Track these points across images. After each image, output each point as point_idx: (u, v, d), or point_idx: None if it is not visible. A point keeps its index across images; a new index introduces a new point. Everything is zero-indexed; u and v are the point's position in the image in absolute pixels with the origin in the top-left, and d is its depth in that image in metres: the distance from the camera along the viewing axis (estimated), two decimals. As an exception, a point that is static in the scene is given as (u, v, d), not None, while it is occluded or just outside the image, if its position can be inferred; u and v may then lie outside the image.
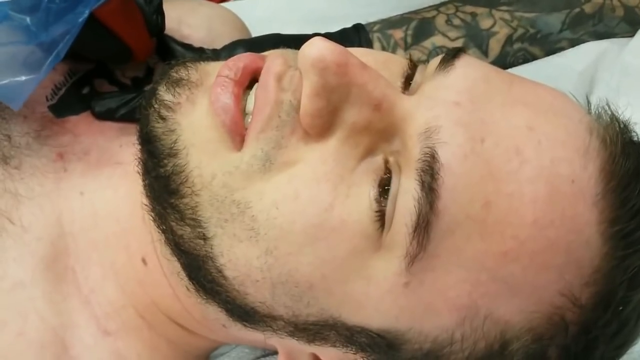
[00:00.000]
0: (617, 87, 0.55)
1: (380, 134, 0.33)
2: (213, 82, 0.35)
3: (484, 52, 0.56)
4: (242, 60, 0.35)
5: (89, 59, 0.46)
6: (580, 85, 0.57)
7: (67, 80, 0.45)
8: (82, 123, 0.44)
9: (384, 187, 0.32)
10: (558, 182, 0.31)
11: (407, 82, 0.36)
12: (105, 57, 0.44)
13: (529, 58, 0.58)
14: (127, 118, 0.44)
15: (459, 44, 0.56)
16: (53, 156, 0.42)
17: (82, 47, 0.39)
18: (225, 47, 0.48)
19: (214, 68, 0.36)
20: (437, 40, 0.56)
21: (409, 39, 0.56)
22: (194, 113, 0.35)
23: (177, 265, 0.37)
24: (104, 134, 0.44)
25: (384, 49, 0.55)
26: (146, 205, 0.37)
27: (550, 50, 0.59)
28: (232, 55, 0.36)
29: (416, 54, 0.55)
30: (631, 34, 0.59)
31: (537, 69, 0.58)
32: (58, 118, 0.43)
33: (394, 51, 0.55)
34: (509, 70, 0.57)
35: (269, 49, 0.38)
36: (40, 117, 0.43)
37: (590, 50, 0.59)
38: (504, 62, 0.57)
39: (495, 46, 0.57)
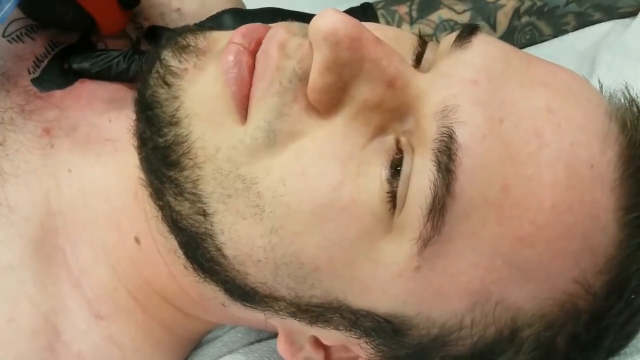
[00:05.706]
0: (619, 69, 0.55)
1: (392, 112, 0.32)
2: (224, 49, 0.33)
3: (492, 26, 0.55)
4: (257, 30, 0.34)
5: (69, 31, 0.44)
6: (582, 63, 0.57)
7: (48, 52, 0.44)
8: (68, 97, 0.43)
9: (395, 168, 0.31)
10: (577, 167, 0.31)
11: (418, 60, 0.35)
12: (64, 24, 0.43)
13: (535, 35, 0.57)
14: (105, 75, 0.43)
15: (466, 17, 0.54)
16: (38, 132, 0.41)
17: (40, 8, 0.40)
18: (212, 17, 0.46)
19: (222, 36, 0.35)
20: (444, 13, 0.54)
21: (414, 14, 0.55)
22: (202, 80, 0.34)
23: (174, 243, 0.36)
24: (93, 108, 0.43)
25: (388, 24, 0.53)
26: (142, 180, 0.36)
27: (557, 26, 0.58)
28: (220, 24, 0.35)
29: (423, 28, 0.54)
30: (635, 8, 0.59)
31: (538, 47, 0.58)
32: (42, 92, 0.42)
33: (399, 26, 0.53)
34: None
35: (261, 21, 0.36)
36: (23, 92, 0.42)
37: (593, 31, 0.59)
38: (512, 37, 0.56)
39: (503, 20, 0.56)
